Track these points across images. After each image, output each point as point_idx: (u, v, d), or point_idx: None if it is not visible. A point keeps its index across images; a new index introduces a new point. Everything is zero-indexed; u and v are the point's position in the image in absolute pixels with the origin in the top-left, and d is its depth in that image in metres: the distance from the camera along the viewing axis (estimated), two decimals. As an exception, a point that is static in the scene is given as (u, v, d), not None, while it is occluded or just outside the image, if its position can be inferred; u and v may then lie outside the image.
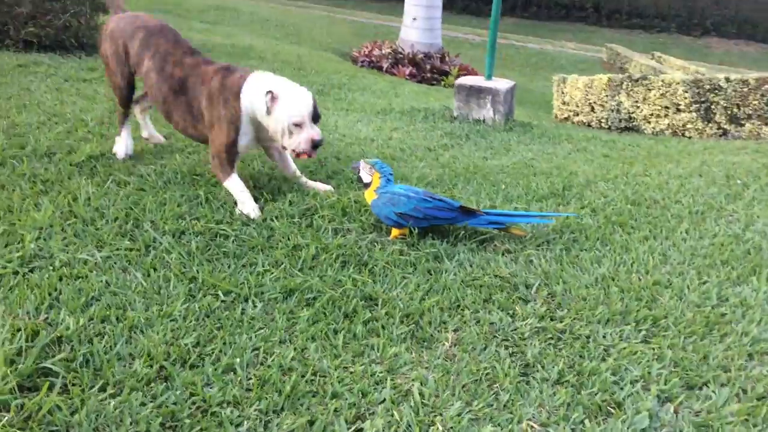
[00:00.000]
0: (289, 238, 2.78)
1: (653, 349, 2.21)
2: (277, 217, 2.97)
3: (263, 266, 2.53)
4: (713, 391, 2.00)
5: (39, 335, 1.93)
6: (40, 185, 3.04)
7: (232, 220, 2.88)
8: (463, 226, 3.01)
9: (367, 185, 3.02)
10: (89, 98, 4.67)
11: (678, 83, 6.58)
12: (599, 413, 1.89)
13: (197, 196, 3.07)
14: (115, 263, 2.44)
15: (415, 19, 13.63)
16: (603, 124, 7.26)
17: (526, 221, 3.13)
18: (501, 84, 5.72)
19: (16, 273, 2.30)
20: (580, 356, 2.16)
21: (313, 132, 3.03)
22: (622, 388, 1.99)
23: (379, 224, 3.00)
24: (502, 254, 2.85)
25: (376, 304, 2.36)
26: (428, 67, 12.75)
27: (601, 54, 20.55)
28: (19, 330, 1.93)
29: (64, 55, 6.06)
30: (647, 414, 1.87)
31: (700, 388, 2.03)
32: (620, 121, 7.09)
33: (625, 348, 2.20)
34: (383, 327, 2.22)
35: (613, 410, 1.90)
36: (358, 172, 3.05)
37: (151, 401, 1.76)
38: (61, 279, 2.29)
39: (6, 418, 1.64)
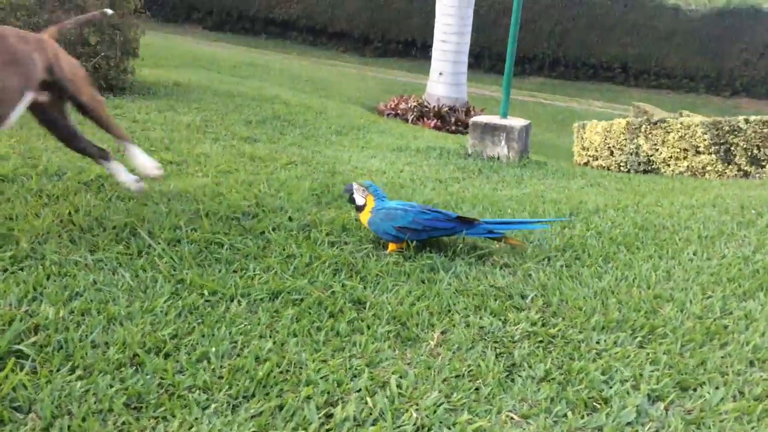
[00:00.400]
0: (284, 248, 2.77)
1: (648, 353, 2.12)
2: (274, 229, 2.97)
3: (254, 271, 2.52)
4: (708, 392, 1.90)
5: (14, 322, 1.93)
6: (45, 199, 3.10)
7: (228, 231, 2.89)
8: (461, 239, 2.98)
9: (360, 208, 2.98)
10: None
11: (697, 125, 6.52)
12: (584, 408, 1.80)
13: (197, 210, 3.10)
14: (105, 265, 2.45)
15: (441, 74, 13.87)
16: (622, 168, 7.20)
17: (522, 227, 3.13)
18: (516, 122, 5.74)
19: (5, 270, 2.31)
20: (570, 358, 2.08)
21: None
22: (610, 387, 1.90)
23: (377, 240, 2.98)
24: (500, 268, 2.79)
25: (364, 307, 2.32)
26: (453, 119, 12.89)
27: (628, 112, 20.56)
28: (-3, 316, 1.93)
29: (91, 95, 6.27)
30: (634, 409, 1.77)
31: (694, 389, 1.93)
32: (639, 164, 7.03)
33: (617, 351, 2.12)
34: (368, 327, 2.17)
35: (598, 405, 1.81)
36: (351, 195, 3.01)
37: (119, 384, 1.73)
38: (48, 277, 2.30)
39: (-30, 392, 1.62)
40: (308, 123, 6.62)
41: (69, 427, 1.54)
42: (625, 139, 7.18)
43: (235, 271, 2.52)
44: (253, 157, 4.57)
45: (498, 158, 5.60)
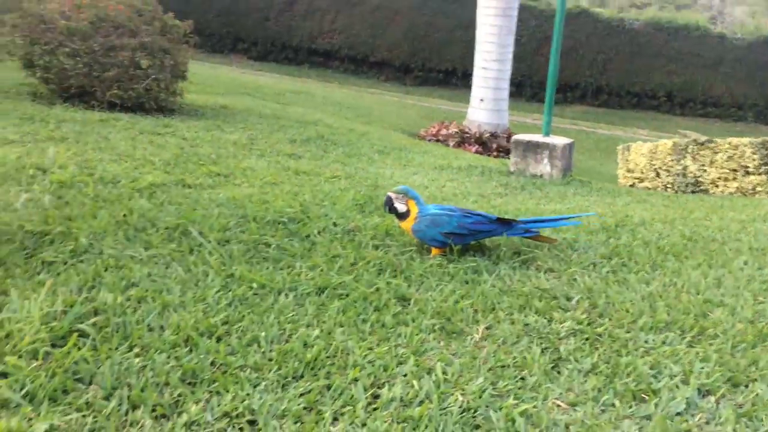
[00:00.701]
0: (329, 250, 2.82)
1: (698, 352, 2.09)
2: (319, 233, 3.03)
3: (300, 269, 2.57)
4: (760, 389, 1.87)
5: (74, 306, 2.01)
6: (101, 203, 3.21)
7: (275, 234, 2.96)
8: (503, 242, 2.99)
9: (403, 215, 2.92)
10: (160, 146, 4.96)
11: (746, 145, 6.42)
12: (632, 399, 1.79)
13: (245, 215, 3.18)
14: (159, 260, 2.54)
15: (482, 100, 13.92)
16: (669, 189, 7.10)
17: (556, 225, 3.23)
18: (558, 140, 5.73)
19: (65, 262, 2.41)
20: (617, 354, 2.06)
21: None
22: (659, 381, 1.89)
23: (420, 244, 3.00)
24: (545, 272, 2.79)
25: (408, 303, 2.35)
26: (494, 145, 12.89)
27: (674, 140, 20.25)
28: (56, 301, 2.02)
29: (143, 115, 6.49)
30: (684, 401, 1.76)
31: (746, 386, 1.90)
32: (687, 185, 6.93)
33: (666, 350, 2.10)
34: (413, 320, 2.20)
35: (647, 396, 1.80)
36: (392, 205, 2.94)
37: (175, 361, 1.79)
38: (106, 269, 2.39)
39: (34, 364, 1.70)
40: (351, 143, 6.72)
41: (128, 396, 1.60)
42: (672, 160, 7.10)
43: (282, 268, 2.57)
44: (298, 172, 4.66)
45: (541, 176, 5.60)
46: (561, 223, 3.31)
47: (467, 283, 2.60)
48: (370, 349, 1.97)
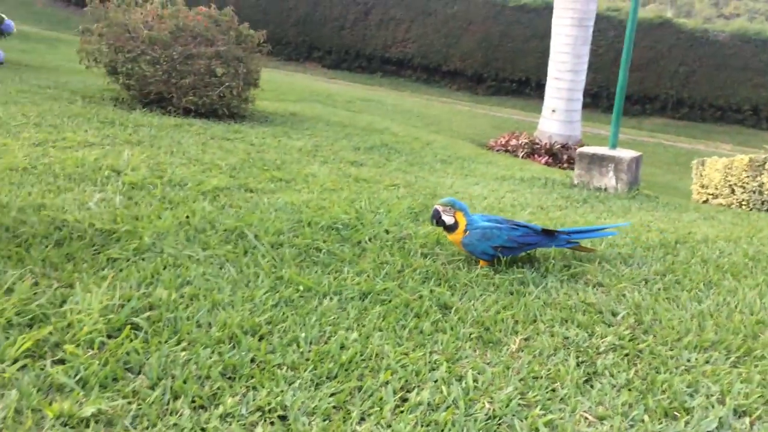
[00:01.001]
0: (378, 256, 2.89)
1: (740, 372, 2.05)
2: (370, 239, 3.10)
3: (347, 274, 2.65)
4: (803, 413, 1.81)
5: (131, 300, 2.15)
6: (167, 204, 3.39)
7: (327, 239, 3.05)
8: (552, 253, 2.99)
9: (451, 228, 2.92)
10: (228, 151, 5.16)
11: (828, 162, 6.10)
12: (663, 416, 1.77)
13: (300, 220, 3.29)
14: (214, 260, 2.67)
15: (554, 111, 13.73)
16: (743, 206, 6.83)
17: (594, 236, 3.29)
18: (625, 153, 5.63)
19: (128, 259, 2.57)
20: (656, 371, 2.04)
21: None
22: (693, 399, 1.86)
23: (469, 256, 3.03)
24: (593, 286, 2.77)
25: (450, 311, 2.39)
26: (565, 157, 12.68)
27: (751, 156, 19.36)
28: (115, 295, 2.16)
29: (216, 121, 6.76)
30: (717, 420, 1.73)
31: (789, 410, 1.85)
32: (762, 203, 6.65)
33: (708, 369, 2.06)
34: (451, 328, 2.24)
35: (678, 414, 1.78)
36: (439, 218, 2.94)
37: (218, 356, 1.89)
38: (164, 267, 2.53)
39: (90, 353, 1.83)
40: (414, 151, 6.79)
41: (171, 387, 1.71)
42: (747, 177, 6.83)
43: (330, 273, 2.66)
44: (358, 179, 4.76)
45: (605, 189, 5.50)
46: (598, 234, 3.32)
47: (511, 294, 2.62)
48: (405, 354, 2.02)
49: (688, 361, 2.13)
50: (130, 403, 1.63)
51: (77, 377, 1.70)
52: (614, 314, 2.49)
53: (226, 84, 6.95)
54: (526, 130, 15.55)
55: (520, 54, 21.95)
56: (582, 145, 13.42)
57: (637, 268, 3.06)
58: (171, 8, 7.44)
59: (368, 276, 2.63)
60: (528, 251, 2.97)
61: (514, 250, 2.91)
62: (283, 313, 2.22)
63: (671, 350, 2.20)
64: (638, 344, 2.22)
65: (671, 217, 4.79)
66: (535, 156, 12.73)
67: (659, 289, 2.79)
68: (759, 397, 1.87)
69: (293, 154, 5.43)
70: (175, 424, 1.56)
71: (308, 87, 15.17)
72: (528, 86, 22.04)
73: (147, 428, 1.55)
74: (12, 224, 2.77)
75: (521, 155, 12.63)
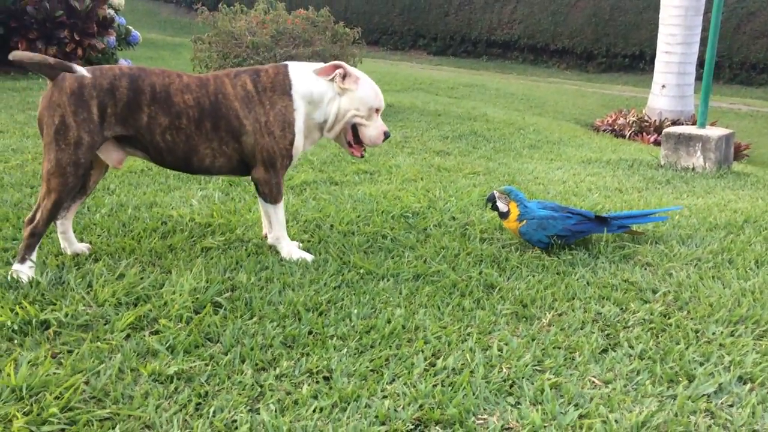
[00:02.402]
0: (439, 241, 3.17)
1: (760, 344, 2.17)
2: (435, 226, 3.38)
3: (407, 258, 2.95)
4: (809, 382, 1.93)
5: (216, 283, 2.56)
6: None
7: (395, 227, 3.37)
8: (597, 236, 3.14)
9: (503, 215, 3.15)
10: (320, 145, 5.57)
11: None
12: (667, 381, 1.95)
13: (373, 209, 3.62)
14: (294, 248, 3.05)
15: (664, 86, 13.24)
16: None
17: (646, 221, 3.38)
18: (714, 131, 5.53)
19: (219, 248, 3.01)
20: (676, 342, 2.20)
21: (381, 122, 2.98)
22: (702, 366, 2.02)
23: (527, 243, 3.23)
24: (642, 266, 2.92)
25: (494, 291, 2.64)
26: (676, 134, 12.25)
27: None
28: (203, 279, 2.59)
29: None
30: (717, 384, 1.89)
31: (797, 379, 1.97)
32: None
33: (728, 341, 2.19)
34: (492, 306, 2.49)
35: (681, 380, 1.95)
36: (494, 203, 3.18)
37: (281, 329, 2.26)
38: (248, 255, 2.94)
39: (179, 325, 2.26)
40: (504, 137, 6.94)
41: (240, 353, 2.09)
42: None
43: (392, 258, 2.97)
44: (440, 168, 5.03)
45: (693, 169, 5.44)
46: (649, 219, 3.41)
47: (558, 274, 2.82)
48: (443, 327, 2.30)
49: (713, 333, 2.27)
50: (206, 364, 2.03)
51: (167, 344, 2.12)
52: (654, 292, 2.64)
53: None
54: (637, 107, 15.07)
55: (633, 27, 21.14)
56: (695, 121, 12.89)
57: (694, 248, 3.15)
58: (272, 13, 7.99)
59: (425, 260, 2.92)
60: (581, 238, 3.14)
61: (568, 238, 3.09)
62: (343, 293, 2.56)
63: (700, 324, 2.34)
64: (668, 319, 2.38)
65: (758, 195, 4.70)
66: (644, 135, 12.38)
67: (708, 268, 2.89)
68: (766, 365, 2.00)
69: (382, 146, 5.77)
70: (240, 382, 1.94)
71: (411, 75, 15.49)
72: (642, 60, 21.20)
73: (217, 384, 1.93)
74: (128, 220, 3.29)
75: (628, 134, 12.32)
